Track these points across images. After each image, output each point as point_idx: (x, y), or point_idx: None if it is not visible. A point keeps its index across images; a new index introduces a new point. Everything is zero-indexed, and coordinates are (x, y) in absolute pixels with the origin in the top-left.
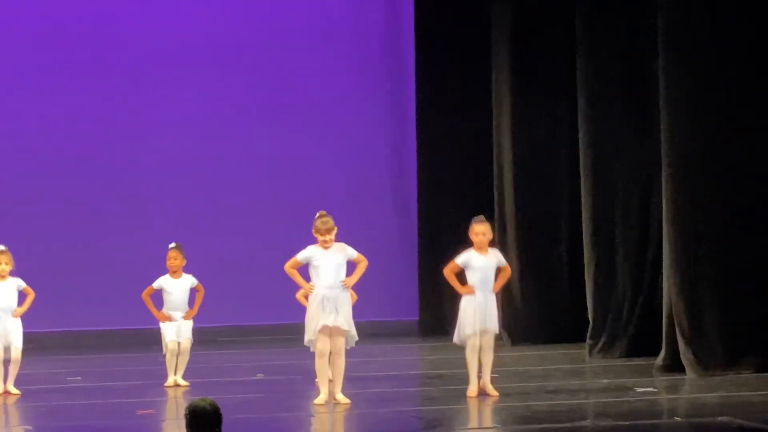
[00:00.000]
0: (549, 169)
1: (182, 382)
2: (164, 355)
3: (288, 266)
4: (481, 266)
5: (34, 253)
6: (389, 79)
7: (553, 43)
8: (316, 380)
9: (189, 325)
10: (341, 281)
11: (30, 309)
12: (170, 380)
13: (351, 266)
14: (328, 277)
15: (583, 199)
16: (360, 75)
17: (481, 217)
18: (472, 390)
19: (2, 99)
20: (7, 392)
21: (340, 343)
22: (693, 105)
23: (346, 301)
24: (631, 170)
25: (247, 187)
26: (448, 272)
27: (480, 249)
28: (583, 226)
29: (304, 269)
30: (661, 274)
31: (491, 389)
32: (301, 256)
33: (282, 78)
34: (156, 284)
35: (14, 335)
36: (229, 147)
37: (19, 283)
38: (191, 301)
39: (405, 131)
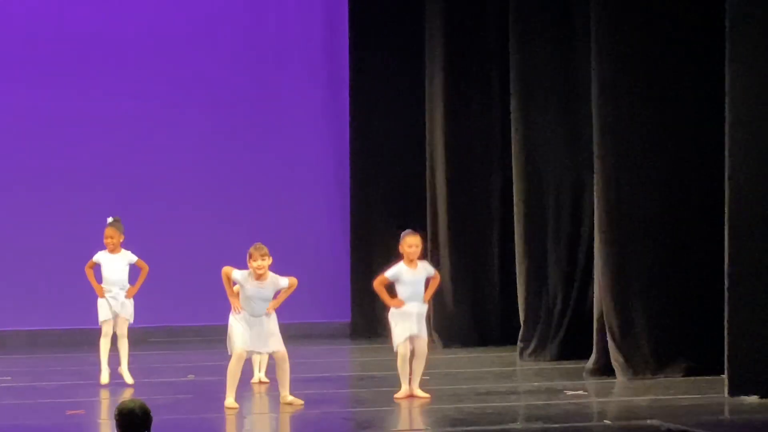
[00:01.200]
0: (482, 170)
1: (127, 376)
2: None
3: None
4: (410, 280)
5: None
6: (325, 84)
7: (486, 45)
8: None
9: (130, 304)
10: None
11: None
12: (104, 376)
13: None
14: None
15: (515, 202)
16: (295, 79)
17: (411, 230)
18: (403, 391)
19: None
20: None
21: (283, 356)
22: (623, 106)
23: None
24: (562, 173)
25: (180, 188)
26: (377, 285)
27: (410, 262)
28: (515, 228)
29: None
30: (592, 277)
31: (421, 393)
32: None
33: (219, 79)
34: (95, 258)
35: None
36: (166, 146)
37: None
38: (132, 280)
39: (339, 132)
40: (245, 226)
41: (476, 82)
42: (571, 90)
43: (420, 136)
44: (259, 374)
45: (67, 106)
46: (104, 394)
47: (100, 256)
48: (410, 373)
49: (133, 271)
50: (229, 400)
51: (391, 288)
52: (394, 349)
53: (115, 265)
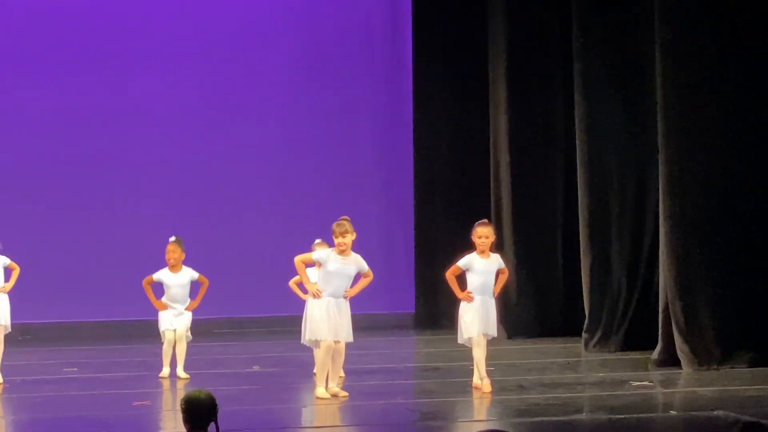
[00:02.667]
0: (545, 161)
1: (183, 375)
2: (162, 345)
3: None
4: (482, 270)
5: (30, 243)
6: (388, 76)
7: (550, 38)
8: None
9: (188, 316)
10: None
11: (26, 298)
12: (165, 371)
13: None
14: (338, 285)
15: (579, 192)
16: (358, 69)
17: (485, 220)
18: (477, 380)
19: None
20: None
21: (341, 346)
22: (690, 99)
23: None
24: (627, 164)
25: (244, 180)
26: (449, 275)
27: (482, 252)
28: (580, 219)
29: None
30: (657, 268)
31: (487, 384)
32: (316, 254)
33: (281, 74)
34: (156, 276)
35: (5, 314)
36: (227, 141)
37: (5, 260)
38: (193, 295)
39: (403, 125)
40: (310, 218)
41: (539, 72)
42: (635, 81)
43: (483, 128)
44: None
45: (129, 105)
46: (169, 385)
47: (162, 275)
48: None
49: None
50: (320, 390)
51: (461, 278)
52: (461, 341)
53: (177, 283)
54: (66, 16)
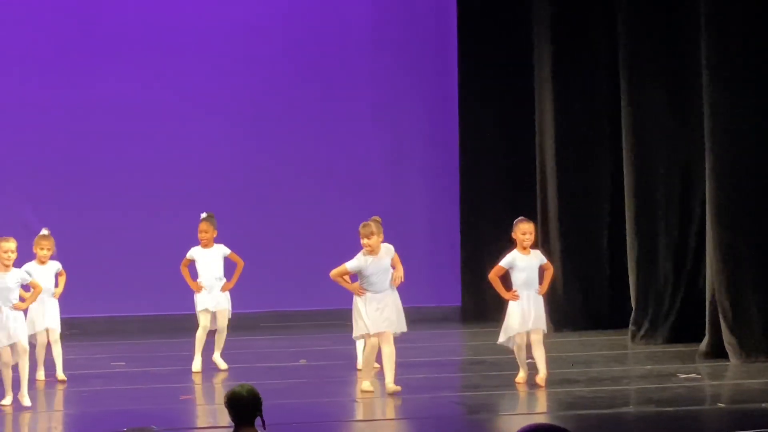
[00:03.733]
0: (591, 153)
1: (221, 363)
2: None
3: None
4: (525, 266)
5: (78, 238)
6: (433, 71)
7: (595, 28)
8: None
9: (226, 297)
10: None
11: (74, 294)
12: (196, 362)
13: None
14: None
15: (625, 184)
16: (404, 66)
17: (524, 217)
18: (522, 376)
19: (41, 84)
20: (58, 379)
21: (390, 338)
22: (737, 88)
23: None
24: (673, 155)
25: (287, 172)
26: (493, 277)
27: (523, 249)
28: (626, 211)
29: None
30: (704, 259)
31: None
32: (350, 265)
33: (326, 63)
34: (189, 255)
35: (55, 318)
36: (268, 129)
37: (57, 266)
38: (228, 274)
39: (449, 119)
40: (355, 211)
41: (584, 66)
42: (681, 70)
43: (529, 121)
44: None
45: (166, 97)
46: (217, 379)
47: (194, 252)
48: (530, 358)
49: (228, 265)
50: (365, 384)
51: (505, 277)
52: (501, 341)
53: (209, 260)
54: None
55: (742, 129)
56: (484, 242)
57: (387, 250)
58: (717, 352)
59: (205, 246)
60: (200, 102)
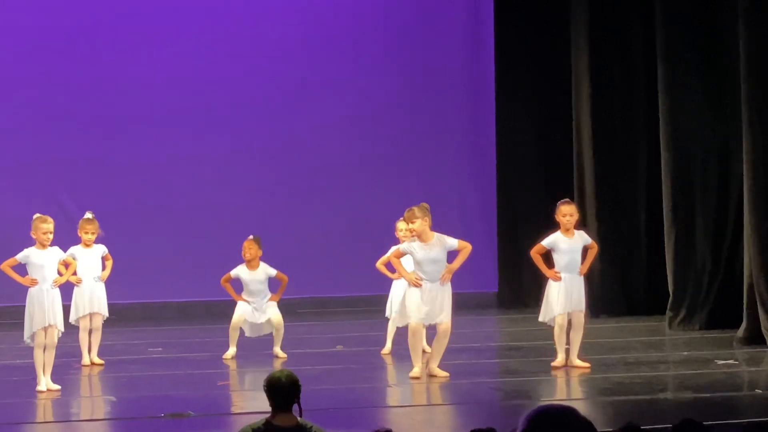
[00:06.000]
0: (628, 140)
1: (280, 354)
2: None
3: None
4: (567, 249)
5: (115, 225)
6: (469, 60)
7: (631, 14)
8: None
9: (272, 306)
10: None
11: (112, 280)
12: (230, 351)
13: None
14: (430, 271)
15: (662, 171)
16: (442, 56)
17: (567, 199)
18: (560, 360)
19: (79, 73)
20: (92, 363)
21: (446, 327)
22: None
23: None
24: (709, 141)
25: (326, 159)
26: (534, 254)
27: (566, 231)
28: (663, 197)
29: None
30: (742, 245)
31: (580, 363)
32: (402, 246)
33: (361, 51)
34: (233, 273)
35: (102, 302)
36: (306, 117)
37: (103, 249)
38: (272, 289)
39: (485, 104)
40: (393, 198)
41: (621, 52)
42: (719, 57)
43: (566, 108)
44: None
45: (206, 86)
46: (254, 365)
47: (240, 271)
48: (568, 344)
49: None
50: (415, 371)
51: (547, 258)
52: (542, 319)
53: (254, 280)
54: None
55: None
56: (520, 229)
57: (441, 242)
58: (754, 338)
59: (250, 265)
60: (240, 92)
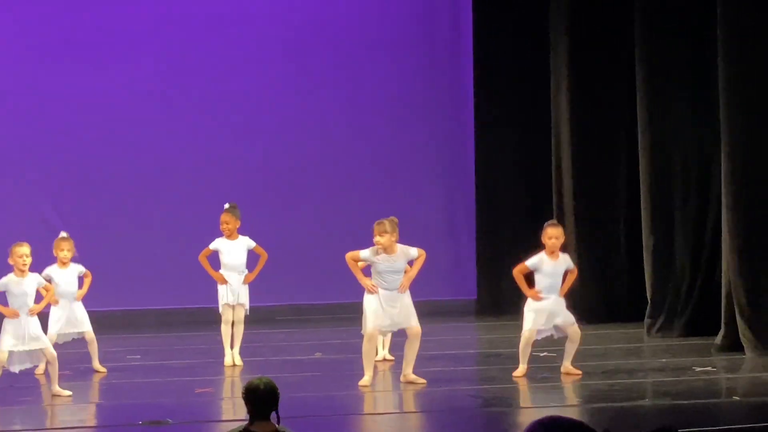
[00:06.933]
0: (608, 147)
1: (237, 360)
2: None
3: (349, 256)
4: (550, 272)
5: (93, 232)
6: (448, 67)
7: (612, 22)
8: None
9: (245, 292)
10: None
11: (91, 287)
12: (228, 358)
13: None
14: (391, 281)
15: (641, 178)
16: (419, 59)
17: (554, 221)
18: (521, 370)
19: (53, 81)
20: (96, 371)
21: (415, 331)
22: (753, 83)
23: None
24: (689, 149)
25: (304, 167)
26: (516, 273)
27: (551, 254)
28: (642, 205)
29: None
30: (720, 253)
31: (574, 369)
32: (363, 253)
33: (341, 62)
34: (212, 246)
35: (83, 321)
36: (287, 127)
37: (80, 269)
38: (250, 265)
39: (464, 112)
40: (372, 205)
41: (601, 59)
42: (698, 65)
43: (546, 114)
44: (384, 352)
45: (184, 91)
46: (232, 372)
47: (218, 243)
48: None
49: (251, 257)
50: (365, 379)
51: (529, 278)
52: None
53: (233, 251)
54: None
55: (758, 122)
56: (499, 236)
57: (405, 254)
58: (732, 345)
59: (229, 237)
60: (219, 97)
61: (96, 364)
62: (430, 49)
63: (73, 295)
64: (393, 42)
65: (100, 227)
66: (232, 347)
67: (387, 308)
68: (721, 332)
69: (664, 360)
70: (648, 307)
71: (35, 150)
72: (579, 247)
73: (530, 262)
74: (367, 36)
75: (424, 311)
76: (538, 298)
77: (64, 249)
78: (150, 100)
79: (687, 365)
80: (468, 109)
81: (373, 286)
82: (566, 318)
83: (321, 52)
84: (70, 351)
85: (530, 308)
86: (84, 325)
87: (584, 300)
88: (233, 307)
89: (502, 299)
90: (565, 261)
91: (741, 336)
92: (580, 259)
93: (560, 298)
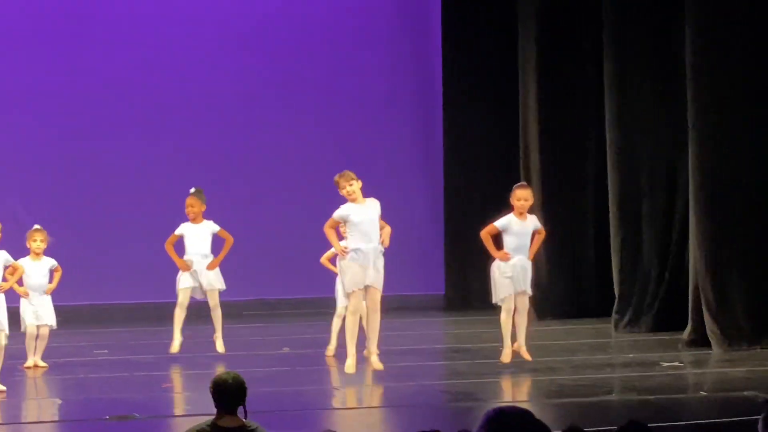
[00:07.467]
0: (576, 142)
1: (221, 348)
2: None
3: (326, 226)
4: (519, 231)
5: (62, 226)
6: (417, 60)
7: (579, 20)
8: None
9: (216, 274)
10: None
11: (59, 282)
12: (176, 343)
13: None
14: (368, 233)
15: (609, 174)
16: (387, 53)
17: (524, 183)
18: (506, 354)
19: (24, 75)
20: (35, 365)
21: (377, 298)
22: (720, 79)
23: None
24: (657, 145)
25: (271, 161)
26: (484, 234)
27: (520, 215)
28: (610, 200)
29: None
30: (687, 248)
31: (525, 352)
32: (337, 214)
33: (309, 53)
34: (177, 231)
35: (49, 315)
36: (255, 120)
37: (51, 262)
38: (215, 250)
39: (432, 106)
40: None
41: (570, 53)
42: (665, 62)
43: (513, 111)
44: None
45: (149, 82)
46: (200, 367)
47: (183, 228)
48: (514, 329)
49: (217, 243)
50: (348, 363)
51: (497, 240)
52: (494, 301)
53: (197, 236)
54: None
55: (724, 120)
56: (467, 231)
57: (374, 203)
58: (700, 340)
59: (194, 221)
60: (187, 92)
61: (38, 359)
62: (399, 41)
63: (43, 288)
64: (361, 34)
65: (67, 222)
66: (214, 333)
67: (364, 267)
68: (688, 328)
69: (631, 355)
70: (615, 303)
71: (1, 144)
72: (547, 241)
73: (499, 223)
74: (336, 28)
75: (391, 306)
76: (507, 258)
77: (38, 240)
78: (118, 93)
79: (654, 360)
80: (437, 105)
81: (345, 249)
82: (524, 284)
83: (288, 48)
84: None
85: (503, 274)
86: (47, 319)
87: (552, 295)
88: (204, 293)
89: (470, 294)
90: (533, 222)
91: (708, 331)
92: (548, 255)
93: (528, 262)
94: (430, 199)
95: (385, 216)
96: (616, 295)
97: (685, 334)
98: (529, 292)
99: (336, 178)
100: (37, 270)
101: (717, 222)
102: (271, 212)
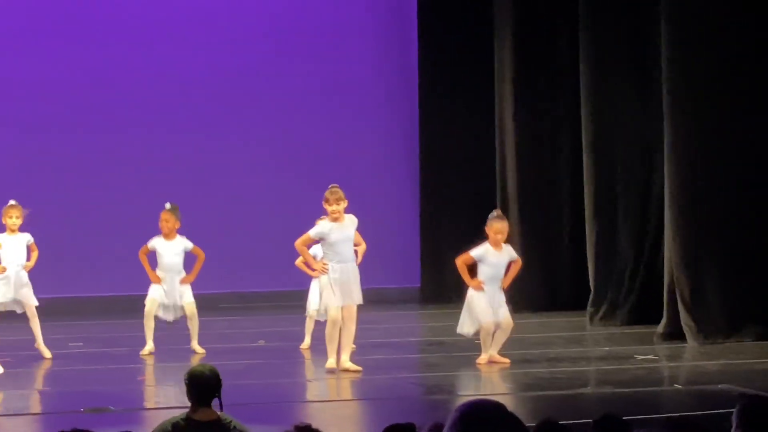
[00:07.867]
0: (551, 138)
1: (198, 349)
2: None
3: (299, 243)
4: (494, 263)
5: (37, 219)
6: (393, 60)
7: (555, 17)
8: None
9: (187, 289)
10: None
11: (34, 274)
12: (149, 346)
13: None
14: (343, 252)
15: (585, 168)
16: (364, 54)
17: (500, 213)
18: (484, 357)
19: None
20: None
21: (354, 310)
22: (695, 74)
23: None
24: (632, 140)
25: (250, 152)
26: (460, 263)
27: (496, 245)
28: (585, 194)
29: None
30: (663, 242)
31: (500, 358)
32: (313, 232)
33: (287, 51)
34: (150, 244)
35: (27, 290)
36: (233, 114)
37: (27, 238)
38: (187, 266)
39: (408, 103)
40: (317, 193)
41: (546, 52)
42: (641, 58)
43: (490, 105)
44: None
45: (129, 82)
46: (173, 360)
47: (156, 242)
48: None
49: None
50: (330, 362)
51: (472, 268)
52: (460, 331)
53: (170, 252)
54: None
55: (699, 115)
56: (443, 225)
57: (351, 221)
58: (675, 333)
59: (167, 237)
60: (163, 88)
61: (42, 346)
62: (376, 40)
63: (20, 264)
64: (338, 33)
65: (42, 214)
66: (191, 340)
67: (340, 283)
68: (663, 321)
69: (606, 348)
70: (591, 296)
71: None
72: (523, 236)
73: (475, 252)
74: (311, 26)
75: (367, 299)
76: (480, 288)
77: (13, 216)
78: (98, 88)
79: (629, 353)
80: (413, 102)
81: (324, 267)
82: (504, 311)
83: (264, 42)
84: (12, 338)
85: (480, 301)
86: (28, 296)
87: (528, 288)
88: (181, 307)
89: (446, 287)
90: (509, 252)
91: (683, 325)
92: (523, 248)
93: (501, 292)
94: (405, 194)
95: (362, 209)
96: (592, 289)
97: (660, 327)
98: (509, 322)
99: (326, 193)
100: (13, 245)
101: (692, 216)
102: (247, 206)
